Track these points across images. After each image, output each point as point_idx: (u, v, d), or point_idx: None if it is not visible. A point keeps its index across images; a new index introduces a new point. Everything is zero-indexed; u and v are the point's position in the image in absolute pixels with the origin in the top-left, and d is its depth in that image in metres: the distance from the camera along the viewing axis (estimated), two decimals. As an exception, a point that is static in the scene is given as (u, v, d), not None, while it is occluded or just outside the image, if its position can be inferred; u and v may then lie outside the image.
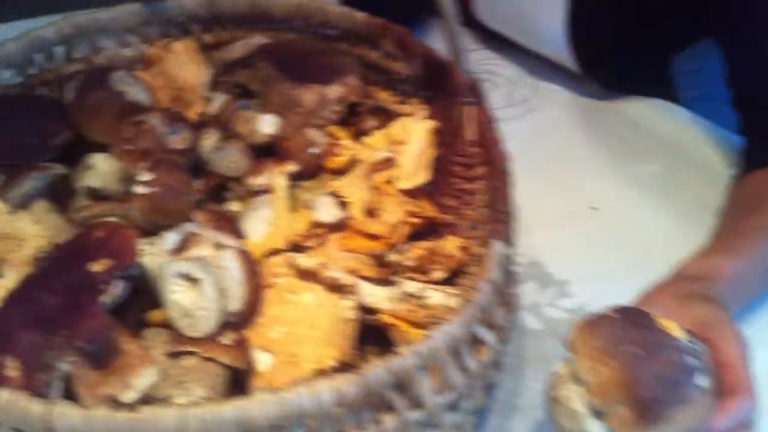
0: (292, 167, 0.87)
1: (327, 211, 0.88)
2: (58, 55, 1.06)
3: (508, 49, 1.34)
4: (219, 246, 0.79)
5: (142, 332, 0.81)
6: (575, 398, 0.70)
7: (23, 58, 1.02)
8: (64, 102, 1.01)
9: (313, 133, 0.92)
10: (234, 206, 1.00)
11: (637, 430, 0.68)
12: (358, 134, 0.98)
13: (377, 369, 0.62)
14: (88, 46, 1.07)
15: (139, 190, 0.84)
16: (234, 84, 1.07)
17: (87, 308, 0.70)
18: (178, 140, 0.90)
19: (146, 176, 0.85)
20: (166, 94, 1.05)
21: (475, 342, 0.70)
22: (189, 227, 0.80)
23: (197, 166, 0.96)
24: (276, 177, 0.87)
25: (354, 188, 0.88)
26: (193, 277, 0.76)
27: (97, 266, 0.73)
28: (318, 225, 0.87)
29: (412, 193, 0.92)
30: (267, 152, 0.97)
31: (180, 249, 0.79)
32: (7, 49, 1.00)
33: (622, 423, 0.68)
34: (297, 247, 0.85)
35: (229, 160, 0.97)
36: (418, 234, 0.90)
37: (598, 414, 0.69)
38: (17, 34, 1.01)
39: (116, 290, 0.73)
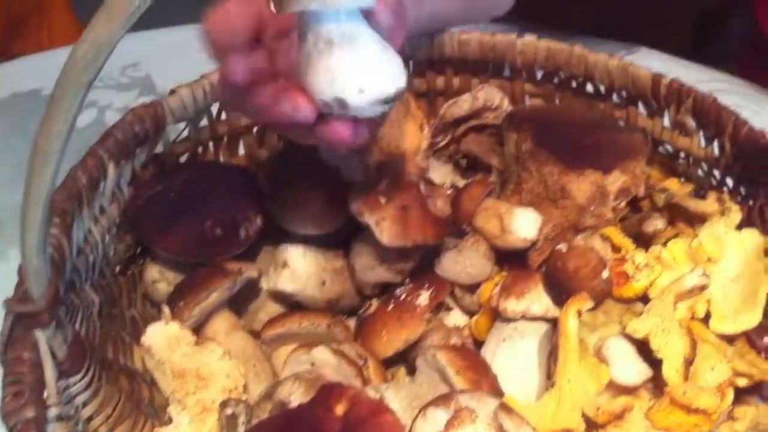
0: (585, 303, 0.62)
1: (628, 368, 0.63)
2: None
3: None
4: (503, 433, 0.55)
5: None
6: None
7: (198, 109, 0.78)
8: (252, 172, 0.78)
9: (600, 246, 0.67)
10: (456, 319, 0.77)
11: None
12: (637, 239, 0.73)
13: None
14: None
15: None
16: (460, 153, 0.83)
17: None
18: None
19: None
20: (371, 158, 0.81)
21: None
22: (458, 400, 0.56)
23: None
24: (565, 316, 0.62)
25: (662, 333, 0.63)
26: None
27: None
28: (616, 387, 0.62)
29: (731, 339, 0.66)
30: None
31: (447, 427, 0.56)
32: (181, 97, 0.76)
33: None
34: (589, 423, 0.61)
35: (466, 264, 0.73)
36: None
37: None
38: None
39: None
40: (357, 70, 0.51)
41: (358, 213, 0.67)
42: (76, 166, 0.67)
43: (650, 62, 1.19)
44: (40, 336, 0.56)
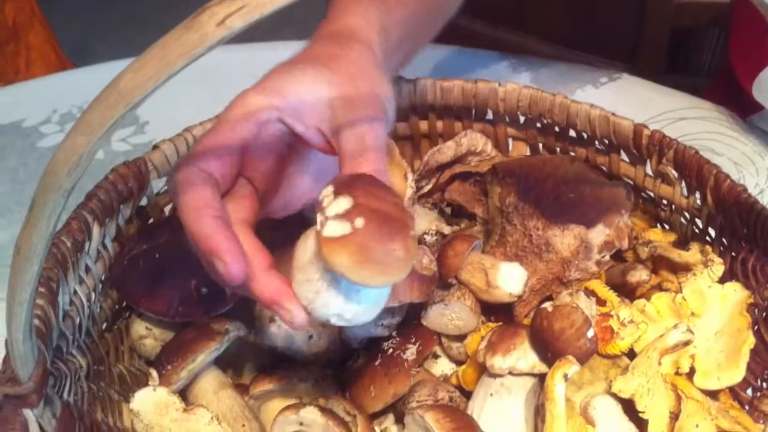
0: (571, 367, 0.63)
1: (615, 428, 0.64)
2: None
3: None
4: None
5: None
6: None
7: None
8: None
9: (585, 304, 0.67)
10: (444, 367, 0.77)
11: None
12: (621, 288, 0.74)
13: None
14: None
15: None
16: (444, 201, 0.83)
17: None
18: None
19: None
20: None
21: None
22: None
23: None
24: (552, 380, 0.62)
25: (648, 394, 0.64)
26: None
27: None
28: (602, 447, 0.63)
29: (715, 392, 0.67)
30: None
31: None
32: (163, 152, 0.76)
33: None
34: (578, 483, 0.62)
35: (453, 317, 0.73)
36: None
37: None
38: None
39: None
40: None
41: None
42: (60, 230, 0.67)
43: (633, 88, 1.20)
44: (30, 415, 0.56)
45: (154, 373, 0.67)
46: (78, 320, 0.68)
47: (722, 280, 0.71)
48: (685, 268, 0.73)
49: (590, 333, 0.65)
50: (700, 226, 0.76)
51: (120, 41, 2.95)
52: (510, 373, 0.68)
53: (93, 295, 0.72)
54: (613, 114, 0.77)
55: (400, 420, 0.74)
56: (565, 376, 0.62)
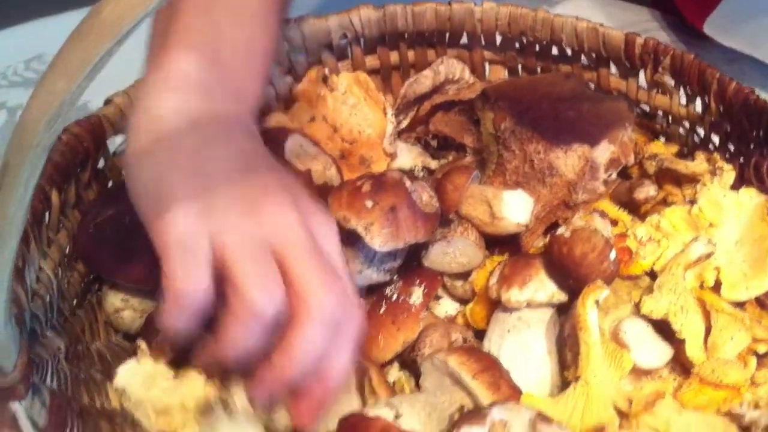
0: (602, 291, 0.58)
1: (650, 351, 0.60)
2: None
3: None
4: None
5: None
6: None
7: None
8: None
9: (602, 225, 0.63)
10: (447, 308, 0.72)
11: None
12: (627, 206, 0.70)
13: None
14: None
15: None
16: (429, 133, 0.77)
17: None
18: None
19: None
20: (330, 149, 0.76)
21: None
22: (492, 416, 0.52)
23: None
24: (584, 308, 0.58)
25: (681, 312, 0.60)
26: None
27: None
28: (637, 370, 0.59)
29: (741, 306, 0.64)
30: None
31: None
32: (118, 106, 0.69)
33: None
34: (620, 413, 0.58)
35: (456, 254, 0.68)
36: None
37: None
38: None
39: None
40: None
41: (345, 219, 0.61)
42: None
43: (590, 4, 1.15)
44: (19, 408, 0.49)
45: (143, 345, 0.60)
46: (47, 298, 0.61)
47: (733, 188, 0.68)
48: (691, 180, 0.69)
49: (612, 255, 0.61)
50: (701, 134, 0.72)
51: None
52: (527, 305, 0.64)
53: (59, 270, 0.64)
54: (601, 25, 0.73)
55: (404, 367, 0.69)
56: (597, 302, 0.58)
